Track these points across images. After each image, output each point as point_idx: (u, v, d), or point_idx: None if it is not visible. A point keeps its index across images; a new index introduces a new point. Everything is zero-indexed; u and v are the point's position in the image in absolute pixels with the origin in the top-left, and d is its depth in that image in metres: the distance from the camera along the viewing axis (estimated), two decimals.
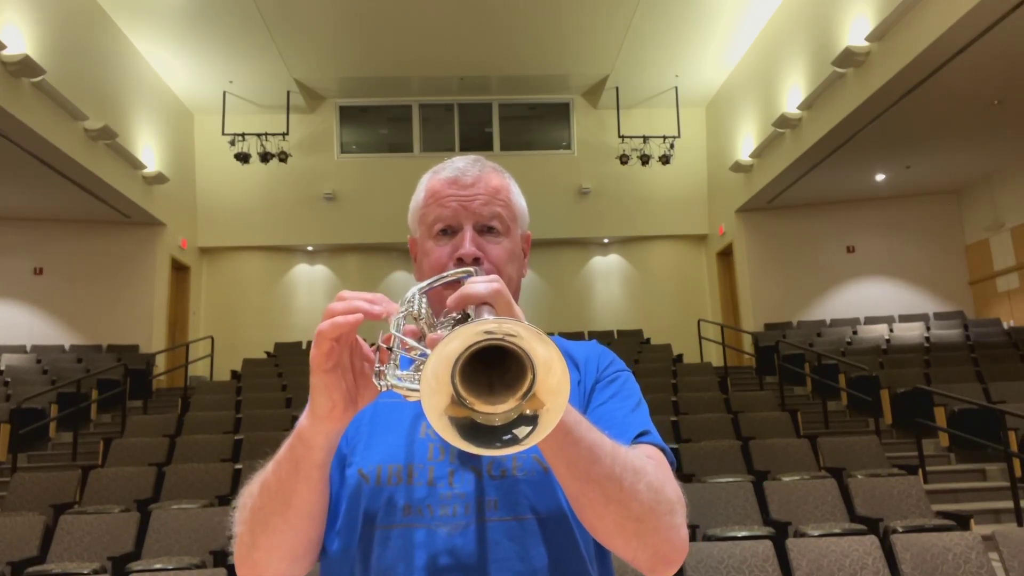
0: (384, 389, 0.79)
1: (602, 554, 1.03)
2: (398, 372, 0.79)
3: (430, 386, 0.69)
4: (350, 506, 0.99)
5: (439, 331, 0.80)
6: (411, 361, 0.81)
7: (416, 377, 0.77)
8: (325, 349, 0.79)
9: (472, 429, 0.71)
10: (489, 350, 0.69)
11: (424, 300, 0.87)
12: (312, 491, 0.89)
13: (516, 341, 0.68)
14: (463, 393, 0.70)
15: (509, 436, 0.71)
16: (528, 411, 0.71)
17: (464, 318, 0.78)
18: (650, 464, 0.90)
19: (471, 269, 0.99)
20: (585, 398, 1.07)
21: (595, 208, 13.46)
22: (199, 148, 13.12)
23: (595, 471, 0.83)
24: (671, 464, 0.97)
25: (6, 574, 4.41)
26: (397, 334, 0.81)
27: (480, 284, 0.78)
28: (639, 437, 0.99)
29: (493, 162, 1.13)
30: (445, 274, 0.98)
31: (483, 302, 0.76)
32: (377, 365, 0.80)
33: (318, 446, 0.85)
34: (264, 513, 0.90)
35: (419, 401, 0.86)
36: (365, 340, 0.85)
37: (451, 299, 0.78)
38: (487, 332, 0.67)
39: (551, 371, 0.68)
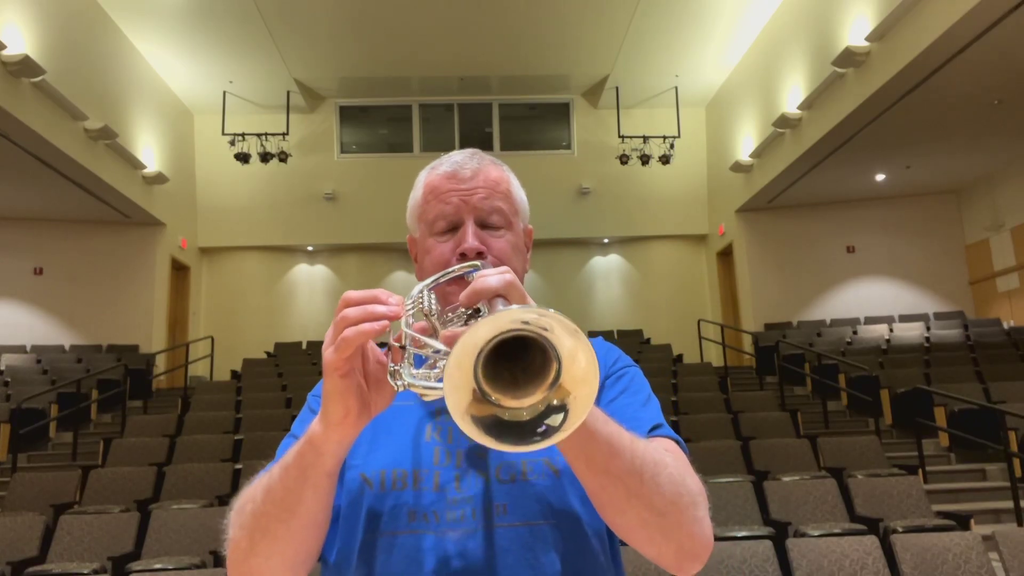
0: (400, 389, 0.75)
1: (615, 559, 1.00)
2: (413, 371, 0.75)
3: (453, 380, 0.65)
4: (349, 511, 0.95)
5: (453, 327, 0.78)
6: (424, 360, 0.78)
7: (432, 375, 0.74)
8: (348, 354, 0.75)
9: (500, 427, 0.67)
10: (508, 344, 0.66)
11: (433, 296, 0.84)
12: (319, 499, 0.86)
13: (547, 334, 0.65)
14: (486, 388, 0.67)
15: (543, 428, 0.67)
16: (556, 401, 0.68)
17: (475, 313, 0.75)
18: (669, 456, 0.87)
19: (476, 263, 0.96)
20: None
21: (595, 208, 13.45)
22: (199, 148, 13.12)
23: (615, 466, 0.80)
24: (687, 456, 0.94)
25: (6, 574, 4.40)
26: (409, 331, 0.78)
27: (492, 277, 0.74)
28: (653, 430, 0.96)
29: (491, 155, 1.10)
30: (450, 269, 0.95)
31: (496, 295, 0.73)
32: (391, 364, 0.77)
33: (329, 453, 0.82)
34: (267, 519, 0.86)
35: (428, 402, 0.80)
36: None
37: (464, 294, 0.74)
38: (524, 322, 0.64)
39: (576, 360, 0.66)
